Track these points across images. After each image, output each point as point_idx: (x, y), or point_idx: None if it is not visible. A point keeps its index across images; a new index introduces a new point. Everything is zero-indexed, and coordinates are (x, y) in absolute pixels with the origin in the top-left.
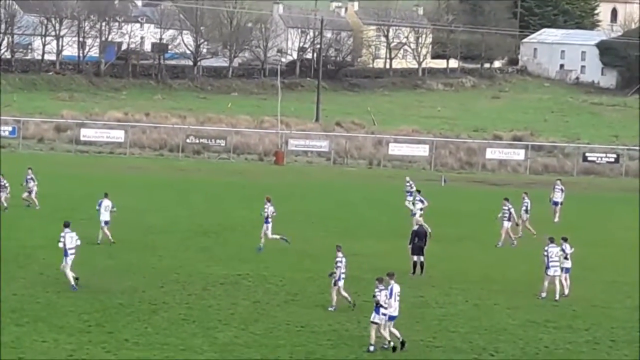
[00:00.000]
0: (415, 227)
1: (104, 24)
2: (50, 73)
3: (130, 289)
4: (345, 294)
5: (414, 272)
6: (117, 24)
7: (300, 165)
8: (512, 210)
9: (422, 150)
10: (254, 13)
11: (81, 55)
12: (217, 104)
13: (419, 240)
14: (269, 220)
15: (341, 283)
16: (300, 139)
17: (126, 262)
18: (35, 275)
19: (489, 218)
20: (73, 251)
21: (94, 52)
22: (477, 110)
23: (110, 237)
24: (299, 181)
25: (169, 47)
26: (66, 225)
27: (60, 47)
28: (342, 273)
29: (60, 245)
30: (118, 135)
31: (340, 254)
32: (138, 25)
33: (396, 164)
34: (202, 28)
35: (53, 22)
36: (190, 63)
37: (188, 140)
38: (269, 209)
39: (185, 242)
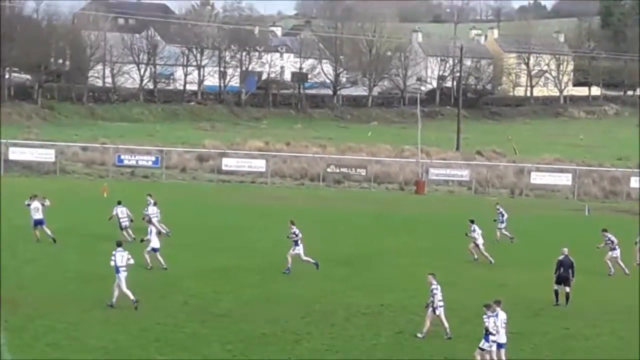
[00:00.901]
0: (561, 257)
1: (244, 53)
2: (192, 103)
3: (274, 319)
4: (446, 323)
5: (557, 302)
6: (257, 53)
7: (441, 194)
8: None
9: (564, 179)
10: (393, 41)
11: (222, 85)
12: (357, 133)
13: (564, 270)
14: (299, 242)
15: (440, 311)
16: (440, 168)
17: (270, 291)
18: (179, 304)
19: (632, 248)
20: (124, 269)
21: (235, 82)
22: (620, 138)
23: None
24: (440, 211)
25: (309, 76)
26: (118, 244)
27: (201, 77)
28: (440, 301)
29: (112, 263)
30: (259, 164)
31: (434, 282)
32: (278, 54)
33: (539, 193)
34: (341, 57)
35: (194, 52)
36: (330, 92)
37: (329, 170)
38: (295, 232)
39: (327, 272)
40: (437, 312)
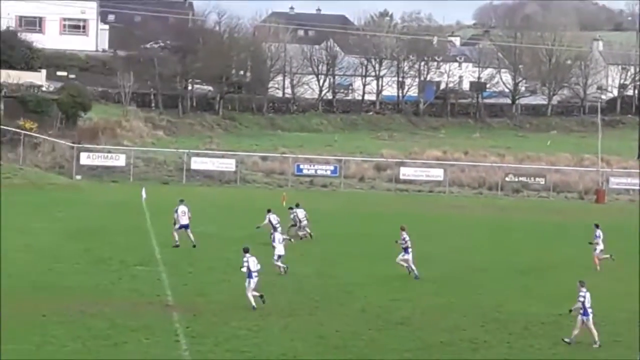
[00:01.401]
0: None
1: (422, 63)
2: (370, 113)
3: (452, 327)
4: (594, 331)
5: None
6: (435, 63)
7: (622, 203)
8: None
9: None
10: (573, 50)
11: (400, 95)
12: (536, 142)
13: None
14: (409, 249)
15: (587, 318)
16: (621, 177)
17: (449, 300)
18: (357, 312)
19: None
20: (256, 274)
21: (413, 92)
22: None
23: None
24: (621, 220)
25: (487, 85)
26: (246, 250)
27: (380, 88)
28: (589, 308)
29: (244, 269)
30: (437, 173)
31: (583, 289)
32: (456, 64)
33: None
34: (520, 66)
35: (373, 62)
36: (509, 101)
37: (507, 179)
38: (405, 238)
39: (506, 281)
40: (585, 320)
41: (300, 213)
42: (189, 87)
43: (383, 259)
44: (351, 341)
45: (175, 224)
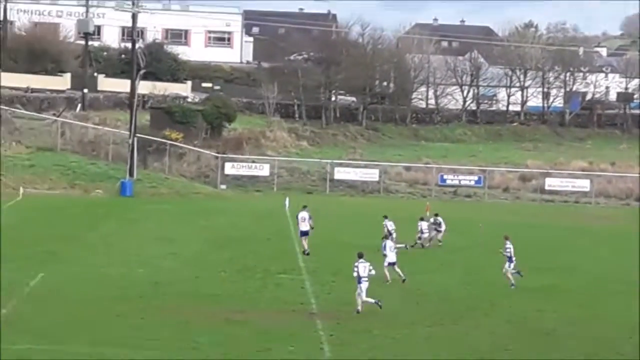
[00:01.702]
0: None
1: (568, 74)
2: (515, 124)
3: (600, 338)
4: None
5: None
6: (581, 74)
7: None
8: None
9: None
10: None
11: (545, 105)
12: None
13: None
14: (512, 258)
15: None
16: None
17: (595, 311)
18: (502, 323)
19: None
20: (366, 279)
21: (558, 103)
22: None
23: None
24: None
25: (635, 96)
26: (360, 255)
27: (524, 98)
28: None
29: (355, 274)
30: (583, 184)
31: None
32: (603, 75)
33: None
34: None
35: (517, 73)
36: None
37: None
38: (508, 247)
39: None
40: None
41: (390, 225)
42: (333, 98)
43: (527, 269)
44: (497, 352)
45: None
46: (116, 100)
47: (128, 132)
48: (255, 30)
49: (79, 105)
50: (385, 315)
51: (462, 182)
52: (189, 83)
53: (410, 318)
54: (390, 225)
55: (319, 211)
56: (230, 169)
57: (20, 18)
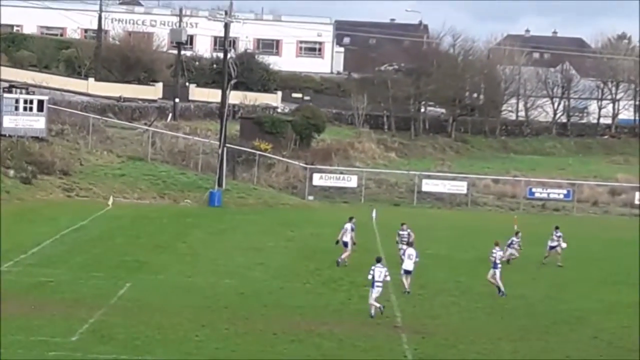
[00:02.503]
0: None
1: None
2: (606, 137)
3: None
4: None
5: None
6: None
7: None
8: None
9: None
10: None
11: (637, 118)
12: None
13: None
14: (498, 266)
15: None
16: None
17: None
18: (588, 339)
19: None
20: (380, 284)
21: None
22: None
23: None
24: None
25: None
26: (378, 260)
27: (616, 111)
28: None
29: (370, 277)
30: None
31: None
32: None
33: None
34: None
35: (609, 85)
36: None
37: None
38: (497, 254)
39: None
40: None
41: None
42: (422, 110)
43: (615, 284)
44: None
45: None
46: (207, 110)
47: (218, 142)
48: (346, 40)
49: (170, 115)
50: (471, 329)
51: (551, 196)
52: (279, 93)
53: (495, 333)
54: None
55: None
56: (318, 180)
57: (115, 27)
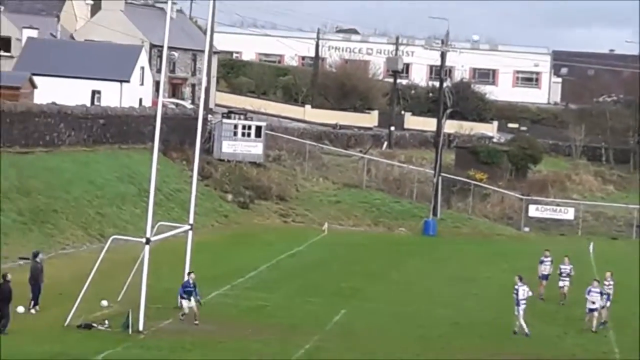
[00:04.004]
0: None
1: None
2: None
3: None
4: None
5: None
6: None
7: None
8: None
9: None
10: None
11: None
12: None
13: None
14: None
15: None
16: None
17: None
18: None
19: None
20: (524, 302)
21: None
22: None
23: None
24: None
25: None
26: (519, 279)
27: None
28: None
29: (514, 295)
30: None
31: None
32: None
33: None
34: None
35: None
36: None
37: None
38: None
39: None
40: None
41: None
42: None
43: None
44: None
45: None
46: (422, 139)
47: (433, 171)
48: (563, 70)
49: (385, 143)
50: None
51: None
52: (495, 123)
53: None
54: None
55: (625, 258)
56: (534, 211)
57: (332, 55)
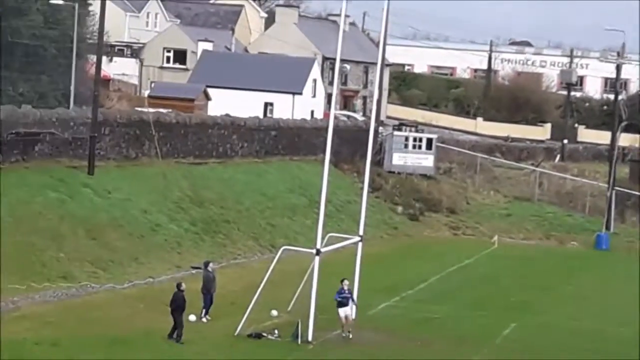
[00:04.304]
0: None
1: None
2: None
3: None
4: None
5: None
6: None
7: None
8: None
9: None
10: None
11: None
12: None
13: None
14: None
15: None
16: None
17: None
18: None
19: None
20: None
21: None
22: None
23: None
24: None
25: None
26: None
27: None
28: None
29: None
30: None
31: None
32: None
33: None
34: None
35: None
36: None
37: None
38: None
39: None
40: None
41: None
42: None
43: None
44: None
45: None
46: (595, 152)
47: (606, 185)
48: None
49: (558, 156)
50: None
51: None
52: None
53: None
54: None
55: None
56: None
57: (504, 67)
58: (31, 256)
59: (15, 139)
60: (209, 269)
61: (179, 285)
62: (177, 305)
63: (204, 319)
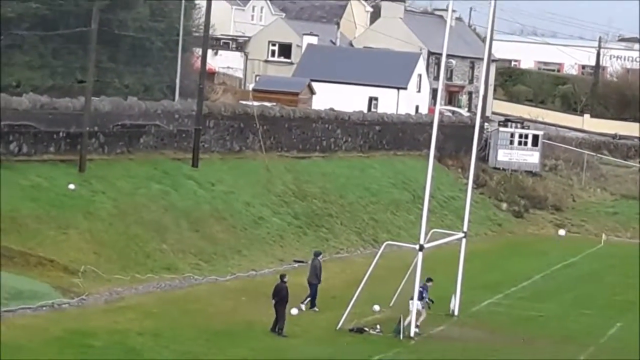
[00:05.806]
0: None
1: None
2: None
3: None
4: None
5: None
6: None
7: None
8: None
9: None
10: None
11: None
12: None
13: None
14: None
15: None
16: None
17: None
18: None
19: None
20: None
21: None
22: None
23: None
24: None
25: None
26: None
27: None
28: None
29: None
30: None
31: None
32: None
33: None
34: None
35: None
36: None
37: None
38: None
39: None
40: None
41: None
42: None
43: None
44: None
45: None
46: None
47: None
48: None
49: None
50: None
51: None
52: None
53: None
54: None
55: None
56: None
57: (613, 64)
58: (135, 247)
59: (121, 130)
60: (319, 259)
61: (282, 277)
62: (281, 297)
63: (302, 306)
